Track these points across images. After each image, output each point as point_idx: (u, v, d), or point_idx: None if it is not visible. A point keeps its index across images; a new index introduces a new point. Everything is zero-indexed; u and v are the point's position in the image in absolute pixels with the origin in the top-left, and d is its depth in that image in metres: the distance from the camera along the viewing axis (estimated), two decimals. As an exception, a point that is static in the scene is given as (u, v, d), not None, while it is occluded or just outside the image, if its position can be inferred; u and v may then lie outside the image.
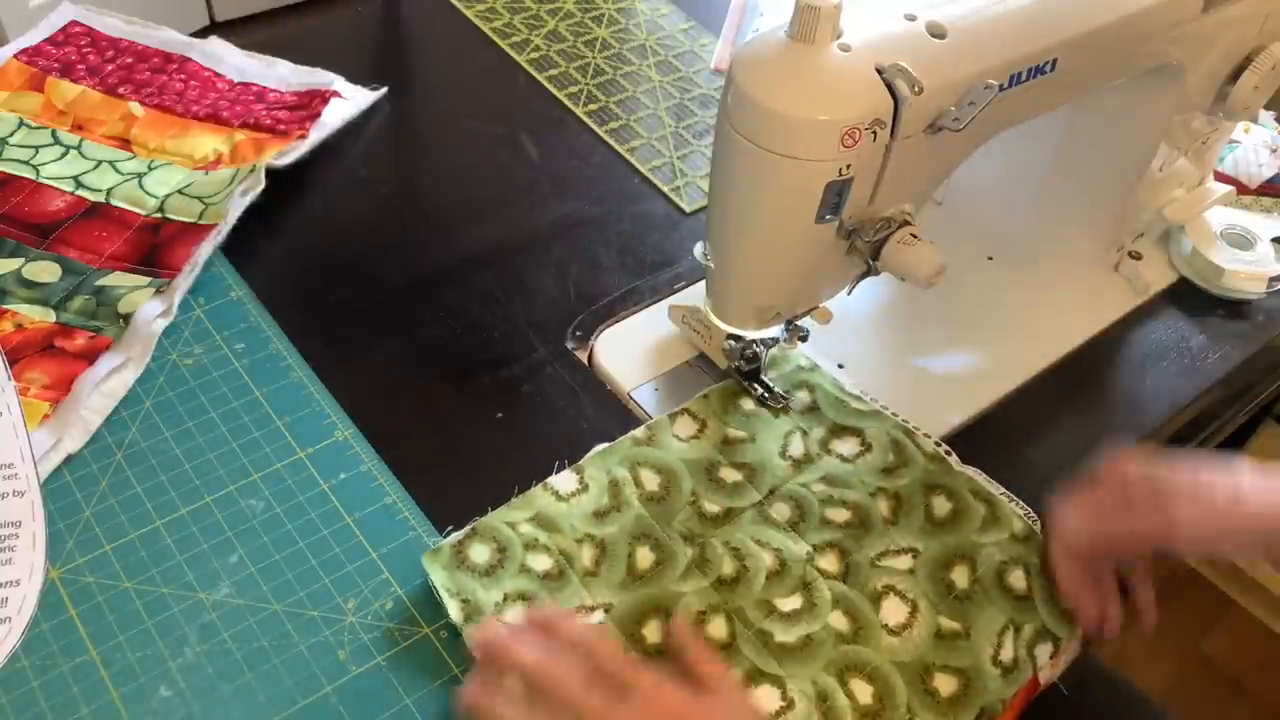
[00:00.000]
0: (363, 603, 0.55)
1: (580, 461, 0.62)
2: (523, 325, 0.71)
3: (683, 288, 0.75)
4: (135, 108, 0.80)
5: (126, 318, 0.66)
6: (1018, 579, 0.59)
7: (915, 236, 0.57)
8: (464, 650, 0.54)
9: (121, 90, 0.82)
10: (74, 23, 0.87)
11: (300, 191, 0.77)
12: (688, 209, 0.81)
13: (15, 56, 0.83)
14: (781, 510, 0.61)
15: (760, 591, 0.57)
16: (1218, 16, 0.64)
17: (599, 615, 0.56)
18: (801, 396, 0.67)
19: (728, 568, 0.58)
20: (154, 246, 0.71)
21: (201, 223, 0.72)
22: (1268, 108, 0.91)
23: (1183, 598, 1.47)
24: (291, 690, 0.52)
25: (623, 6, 1.00)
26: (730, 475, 0.63)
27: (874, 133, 0.52)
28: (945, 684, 0.55)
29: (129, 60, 0.85)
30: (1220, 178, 0.85)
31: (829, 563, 0.59)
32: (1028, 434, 0.65)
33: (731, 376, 0.67)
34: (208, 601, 0.55)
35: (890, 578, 0.59)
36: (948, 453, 0.64)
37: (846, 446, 0.65)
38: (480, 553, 0.57)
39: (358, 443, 0.62)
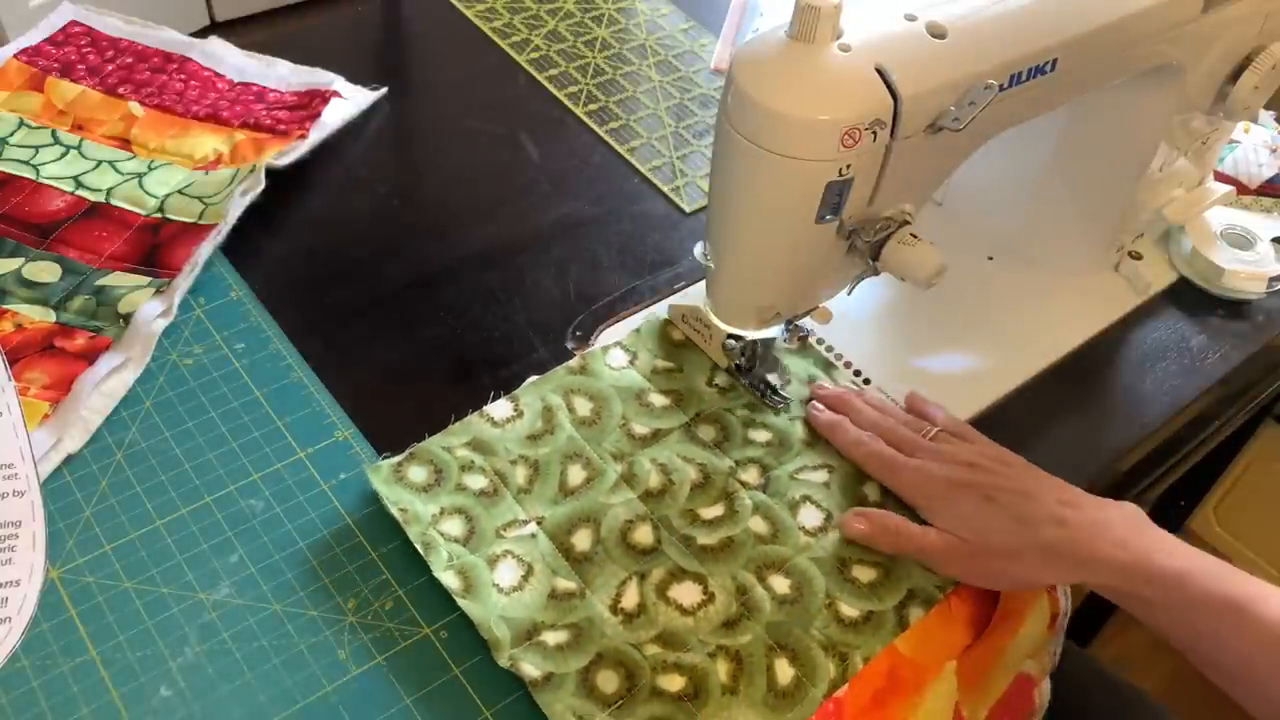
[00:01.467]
0: (363, 603, 0.55)
1: (515, 391, 0.65)
2: (523, 325, 0.71)
3: (683, 288, 0.75)
4: (135, 108, 0.80)
5: (126, 318, 0.66)
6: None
7: (915, 236, 0.57)
8: (463, 650, 0.54)
9: (121, 90, 0.82)
10: (74, 23, 0.87)
11: (300, 191, 0.77)
12: (688, 209, 0.81)
13: (15, 56, 0.83)
14: (707, 431, 0.65)
15: (685, 502, 0.61)
16: (1218, 16, 0.64)
17: (531, 527, 0.59)
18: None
19: (654, 481, 0.62)
20: (154, 246, 0.71)
21: (201, 223, 0.72)
22: (1268, 108, 0.91)
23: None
24: (291, 690, 0.52)
25: (623, 6, 1.00)
26: (659, 400, 0.66)
27: (874, 133, 0.52)
28: (865, 573, 0.59)
29: (129, 60, 0.85)
30: (1220, 178, 0.85)
31: (750, 476, 0.63)
32: (1028, 434, 0.65)
33: (731, 375, 0.67)
34: (208, 601, 0.55)
35: (807, 489, 0.62)
36: (866, 381, 0.69)
37: (771, 378, 0.68)
38: (418, 474, 0.60)
39: (358, 443, 0.62)
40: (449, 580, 0.55)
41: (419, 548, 0.57)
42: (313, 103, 0.81)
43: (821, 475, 0.63)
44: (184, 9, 1.87)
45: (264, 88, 0.84)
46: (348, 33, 0.95)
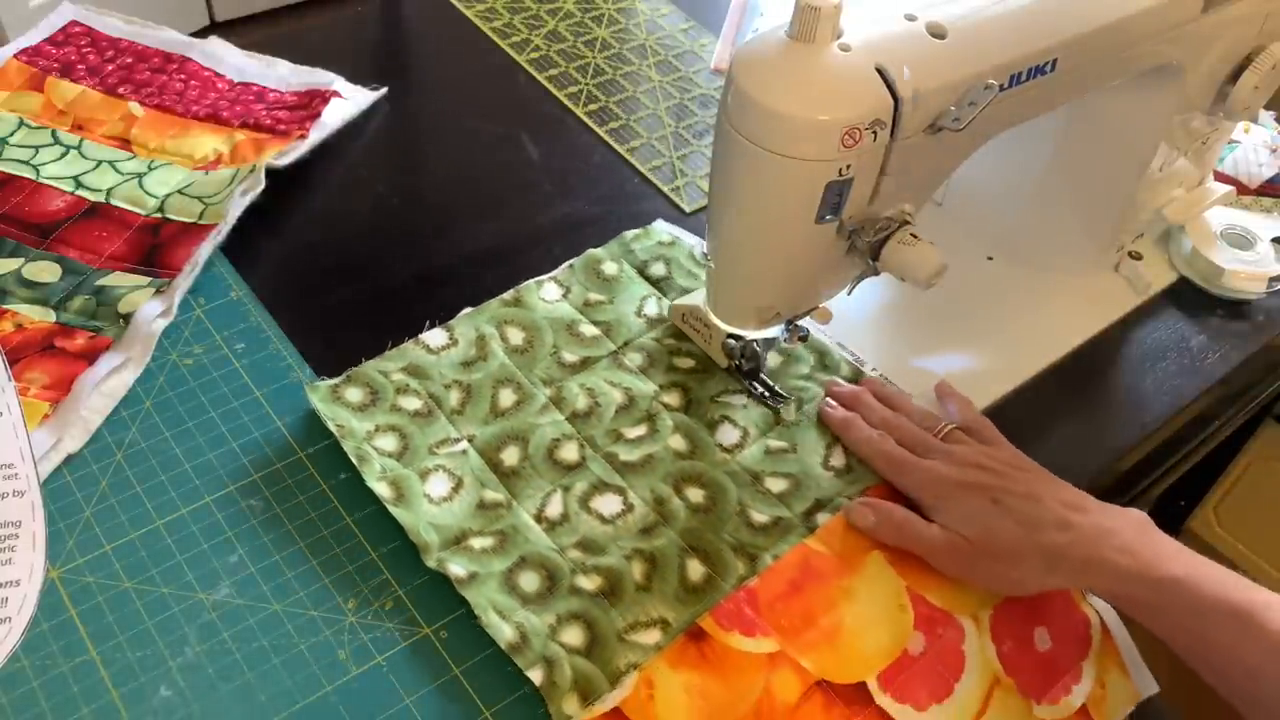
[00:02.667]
0: (363, 603, 0.55)
1: (450, 321, 0.68)
2: (523, 325, 0.71)
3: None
4: (135, 108, 0.80)
5: (126, 318, 0.66)
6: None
7: (915, 236, 0.57)
8: (463, 650, 0.54)
9: (121, 90, 0.82)
10: (74, 23, 0.87)
11: (300, 191, 0.77)
12: (688, 209, 0.81)
13: (15, 56, 0.83)
14: (634, 358, 0.68)
15: (610, 423, 0.64)
16: (1218, 16, 0.64)
17: (462, 445, 0.62)
18: (658, 268, 0.74)
19: (581, 404, 0.65)
20: (154, 246, 0.71)
21: (201, 223, 0.72)
22: (1268, 108, 0.91)
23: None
24: (291, 690, 0.52)
25: (623, 6, 1.00)
26: (589, 331, 0.70)
27: (874, 133, 0.52)
28: (776, 484, 0.62)
29: (129, 60, 0.85)
30: (1220, 178, 0.85)
31: (673, 399, 0.66)
32: (1028, 434, 0.65)
33: (732, 375, 0.67)
34: (208, 601, 0.55)
35: (727, 410, 0.66)
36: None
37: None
38: (354, 394, 0.63)
39: (358, 443, 0.62)
40: (381, 490, 0.58)
41: (353, 460, 0.60)
42: (313, 103, 0.81)
43: (742, 399, 0.66)
44: (184, 9, 1.88)
45: (264, 88, 0.84)
46: (348, 33, 0.95)
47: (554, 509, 0.60)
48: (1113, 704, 0.57)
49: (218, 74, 0.84)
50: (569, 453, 0.63)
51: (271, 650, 0.53)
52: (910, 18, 0.54)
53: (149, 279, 0.69)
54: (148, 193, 0.74)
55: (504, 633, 0.54)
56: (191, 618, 0.54)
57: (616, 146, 0.85)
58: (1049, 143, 0.73)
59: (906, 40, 0.53)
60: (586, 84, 0.91)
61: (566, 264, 0.73)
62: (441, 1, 0.98)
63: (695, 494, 0.61)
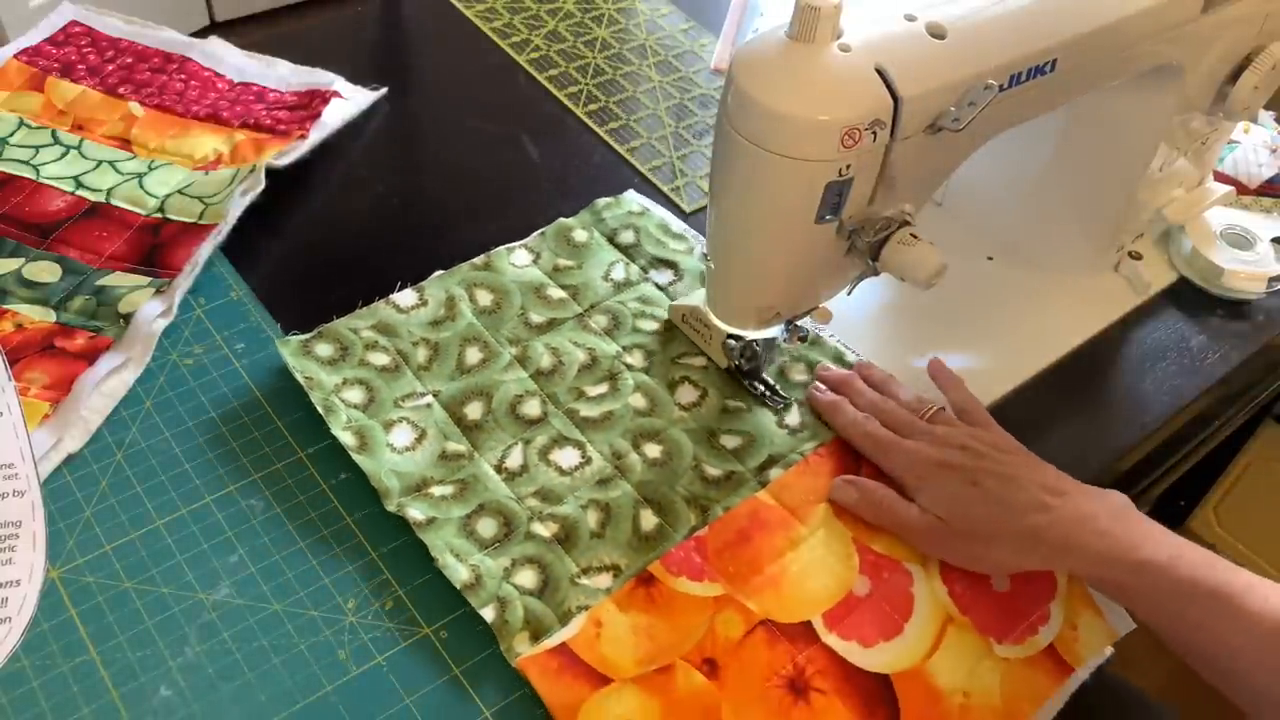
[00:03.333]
0: (363, 603, 0.55)
1: (421, 282, 0.70)
2: (523, 325, 0.71)
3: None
4: (135, 108, 0.80)
5: (127, 318, 0.66)
6: (799, 371, 0.69)
7: (915, 237, 0.57)
8: (463, 650, 0.54)
9: (121, 90, 0.82)
10: (74, 23, 0.87)
11: (300, 191, 0.77)
12: (688, 209, 0.81)
13: (15, 56, 0.83)
14: (599, 321, 0.70)
15: (572, 381, 0.66)
16: (1217, 17, 0.64)
17: (427, 399, 0.64)
18: (627, 235, 0.76)
19: (546, 363, 0.67)
20: (154, 246, 0.71)
21: (201, 222, 0.72)
22: (1268, 108, 0.91)
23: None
24: (291, 690, 0.52)
25: (623, 6, 1.01)
26: (557, 294, 0.71)
27: (874, 133, 0.52)
28: (730, 440, 0.64)
29: (129, 60, 0.85)
30: (1220, 178, 0.85)
31: (635, 359, 0.68)
32: (1028, 434, 0.65)
33: (732, 375, 0.67)
34: (208, 601, 0.55)
35: (687, 371, 0.68)
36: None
37: (662, 276, 0.73)
38: (324, 349, 0.65)
39: (358, 443, 0.62)
40: (345, 438, 0.60)
41: (320, 410, 0.61)
42: (313, 103, 0.81)
43: (703, 360, 0.68)
44: (184, 9, 1.88)
45: (264, 88, 0.84)
46: (348, 33, 0.95)
47: (514, 460, 0.62)
48: (1086, 644, 0.58)
49: (218, 74, 0.84)
50: (531, 408, 0.65)
51: (271, 650, 0.53)
52: (910, 18, 0.54)
53: (149, 279, 0.69)
54: (148, 193, 0.74)
55: (459, 573, 0.56)
56: (191, 618, 0.54)
57: (616, 146, 0.85)
58: (1049, 143, 0.73)
59: (906, 40, 0.53)
60: (586, 84, 0.91)
61: (538, 231, 0.75)
62: (441, 1, 0.98)
63: (652, 449, 0.63)
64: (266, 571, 0.56)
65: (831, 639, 0.56)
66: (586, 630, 0.55)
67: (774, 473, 0.62)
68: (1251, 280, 0.77)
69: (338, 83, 0.83)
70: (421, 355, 0.66)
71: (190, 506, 0.58)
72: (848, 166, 0.52)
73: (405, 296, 0.69)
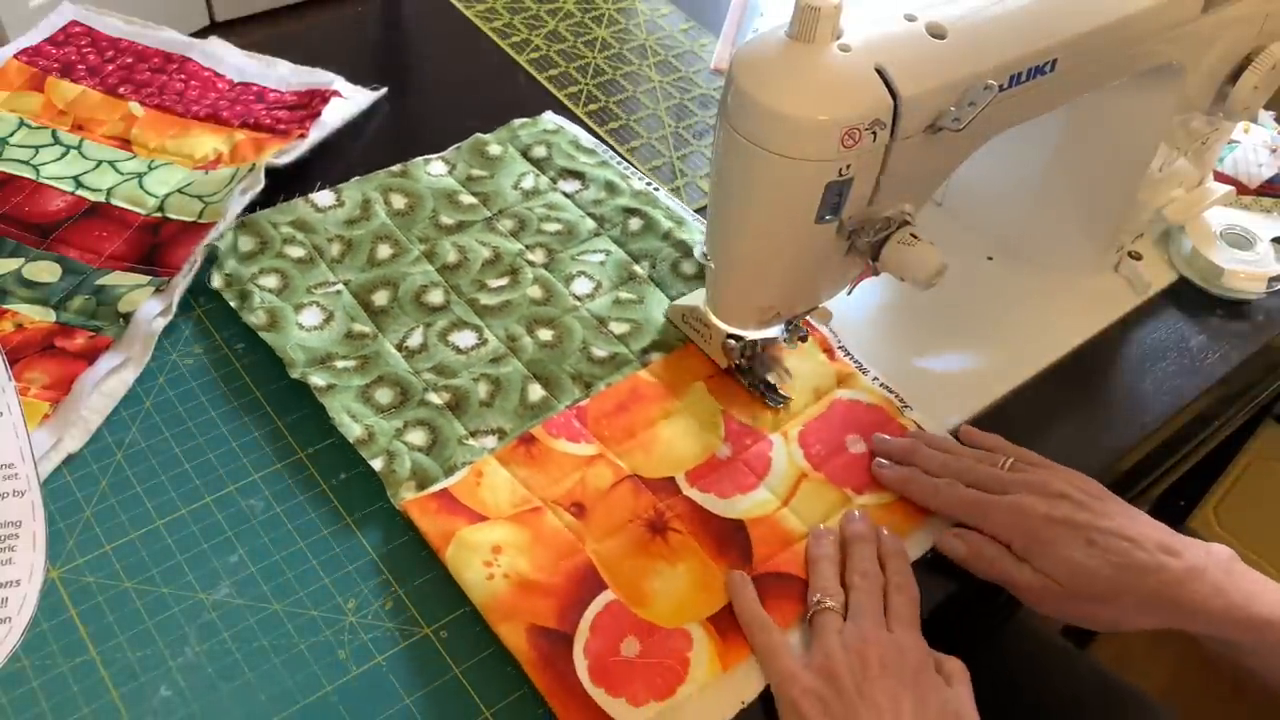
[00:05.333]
0: (363, 603, 0.55)
1: (339, 185, 0.75)
2: (523, 325, 0.71)
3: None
4: (135, 108, 0.80)
5: (126, 317, 0.66)
6: (689, 266, 0.73)
7: (915, 236, 0.57)
8: (463, 650, 0.54)
9: (121, 90, 0.82)
10: (74, 23, 0.87)
11: (300, 191, 0.77)
12: (687, 209, 0.81)
13: (15, 56, 0.83)
14: (506, 224, 0.75)
15: (475, 274, 0.71)
16: (1217, 16, 0.64)
17: (338, 286, 0.69)
18: (539, 150, 0.81)
19: (451, 258, 0.72)
20: (154, 246, 0.71)
21: (201, 221, 0.72)
22: (1268, 108, 0.91)
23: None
24: (291, 690, 0.52)
25: (623, 6, 1.00)
26: (468, 199, 0.77)
27: (874, 133, 0.52)
28: (619, 327, 0.69)
29: (129, 60, 0.85)
30: (1220, 178, 0.85)
31: (537, 256, 0.73)
32: (1028, 434, 0.65)
33: (732, 375, 0.67)
34: (208, 601, 0.55)
35: (584, 266, 0.73)
36: (655, 189, 0.79)
37: (569, 185, 0.79)
38: (245, 242, 0.71)
39: (358, 443, 0.62)
40: (255, 318, 0.66)
41: (234, 302, 0.67)
42: (313, 102, 0.81)
43: (600, 256, 0.74)
44: (184, 9, 1.88)
45: (264, 88, 0.84)
46: (348, 33, 0.95)
47: (415, 340, 0.67)
48: None
49: (218, 74, 0.84)
50: (435, 297, 0.70)
51: (271, 650, 0.53)
52: (910, 18, 0.54)
53: (149, 278, 0.69)
54: (148, 192, 0.74)
55: (353, 430, 0.61)
56: (191, 618, 0.54)
57: (617, 146, 0.85)
58: (1049, 143, 0.73)
59: (906, 40, 0.53)
60: (586, 84, 0.91)
61: (455, 146, 0.80)
62: (441, 1, 0.98)
63: (545, 333, 0.68)
64: (266, 571, 0.56)
65: (692, 492, 0.61)
66: (468, 479, 0.60)
67: (655, 355, 0.68)
68: (1251, 280, 0.77)
69: (338, 83, 0.83)
70: (335, 250, 0.71)
71: (190, 506, 0.58)
72: (848, 166, 0.52)
73: (323, 197, 0.74)
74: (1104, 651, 1.33)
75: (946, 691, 0.53)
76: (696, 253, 0.75)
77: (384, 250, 0.72)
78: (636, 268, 0.73)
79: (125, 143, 0.78)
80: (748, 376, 0.67)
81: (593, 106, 0.89)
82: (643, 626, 0.55)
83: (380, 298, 0.69)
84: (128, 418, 0.62)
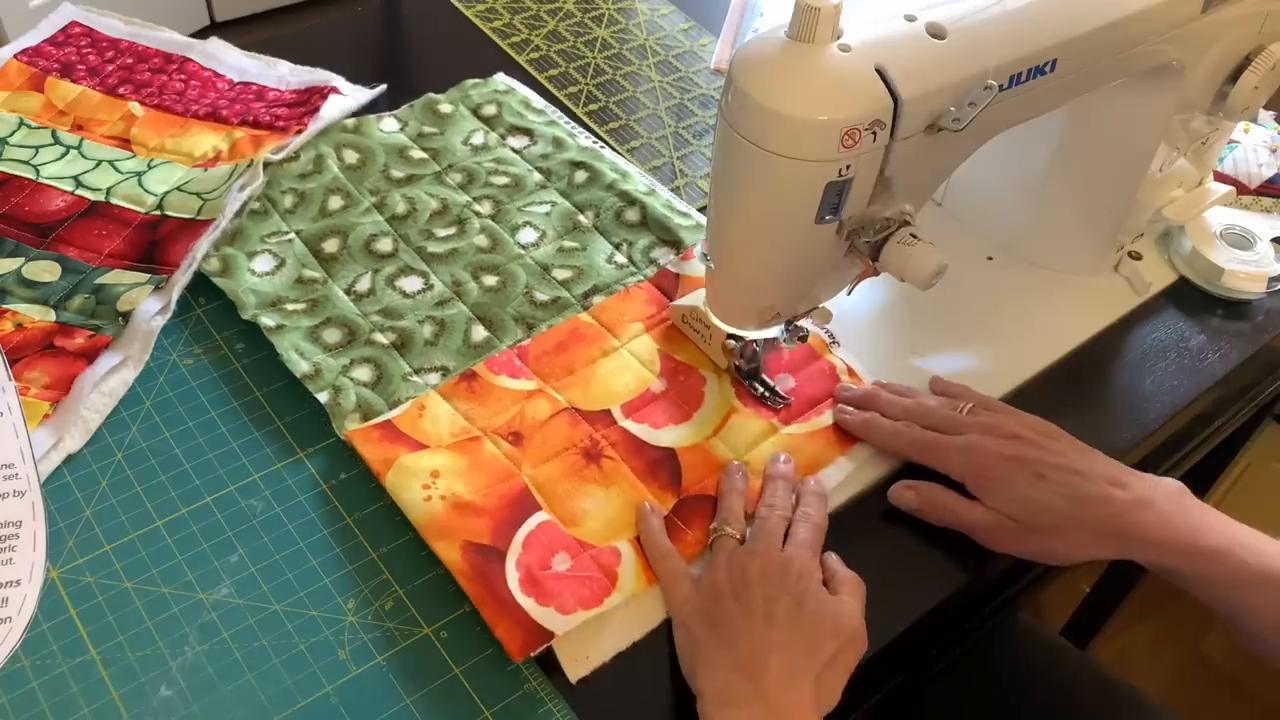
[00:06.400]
0: (363, 603, 0.55)
1: (293, 140, 0.77)
2: (523, 325, 0.71)
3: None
4: (135, 108, 0.80)
5: (125, 316, 0.66)
6: (633, 214, 0.76)
7: (915, 237, 0.57)
8: (463, 650, 0.54)
9: (121, 90, 0.82)
10: (74, 23, 0.87)
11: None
12: (687, 209, 0.81)
13: (15, 57, 0.83)
14: (455, 177, 0.78)
15: (424, 224, 0.74)
16: (1217, 16, 0.64)
17: (290, 235, 0.72)
18: (489, 109, 0.84)
19: (401, 209, 0.75)
20: (153, 243, 0.71)
21: (200, 218, 0.72)
22: (1268, 108, 0.91)
23: (1182, 598, 1.47)
24: (291, 690, 0.52)
25: (623, 6, 1.00)
26: (418, 154, 0.79)
27: (874, 133, 0.52)
28: (562, 273, 0.72)
29: (129, 61, 0.85)
30: (1220, 178, 0.85)
31: (484, 208, 0.76)
32: (1028, 434, 0.65)
33: (731, 375, 0.67)
34: (208, 601, 0.55)
35: (530, 217, 0.75)
36: (601, 146, 0.82)
37: (517, 140, 0.81)
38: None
39: (358, 443, 0.62)
40: (209, 265, 0.68)
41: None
42: (312, 99, 0.81)
43: (545, 208, 0.76)
44: (184, 9, 1.88)
45: (264, 87, 0.84)
46: (348, 33, 0.95)
47: (363, 285, 0.69)
48: None
49: (218, 74, 0.84)
50: (384, 245, 0.72)
51: (271, 650, 0.53)
52: (910, 18, 0.54)
53: (148, 276, 0.69)
54: (147, 190, 0.74)
55: (300, 366, 0.64)
56: (191, 618, 0.54)
57: (617, 146, 0.85)
58: (1049, 143, 0.73)
59: (906, 40, 0.53)
60: (586, 84, 0.91)
61: (408, 104, 0.83)
62: (441, 1, 0.98)
63: (490, 279, 0.71)
64: (266, 571, 0.56)
65: (627, 423, 0.64)
66: (410, 411, 0.63)
67: (597, 299, 0.70)
68: (1251, 280, 0.77)
69: (337, 82, 0.83)
70: (288, 201, 0.74)
71: (190, 506, 0.58)
72: (848, 166, 0.52)
73: (277, 152, 0.76)
74: (1104, 651, 1.33)
75: (827, 596, 0.54)
76: (697, 252, 0.75)
77: (335, 202, 0.74)
78: (581, 217, 0.75)
79: (125, 142, 0.78)
80: (748, 377, 0.67)
81: (593, 106, 0.89)
82: (574, 544, 0.58)
83: (330, 245, 0.71)
84: (128, 418, 0.62)
